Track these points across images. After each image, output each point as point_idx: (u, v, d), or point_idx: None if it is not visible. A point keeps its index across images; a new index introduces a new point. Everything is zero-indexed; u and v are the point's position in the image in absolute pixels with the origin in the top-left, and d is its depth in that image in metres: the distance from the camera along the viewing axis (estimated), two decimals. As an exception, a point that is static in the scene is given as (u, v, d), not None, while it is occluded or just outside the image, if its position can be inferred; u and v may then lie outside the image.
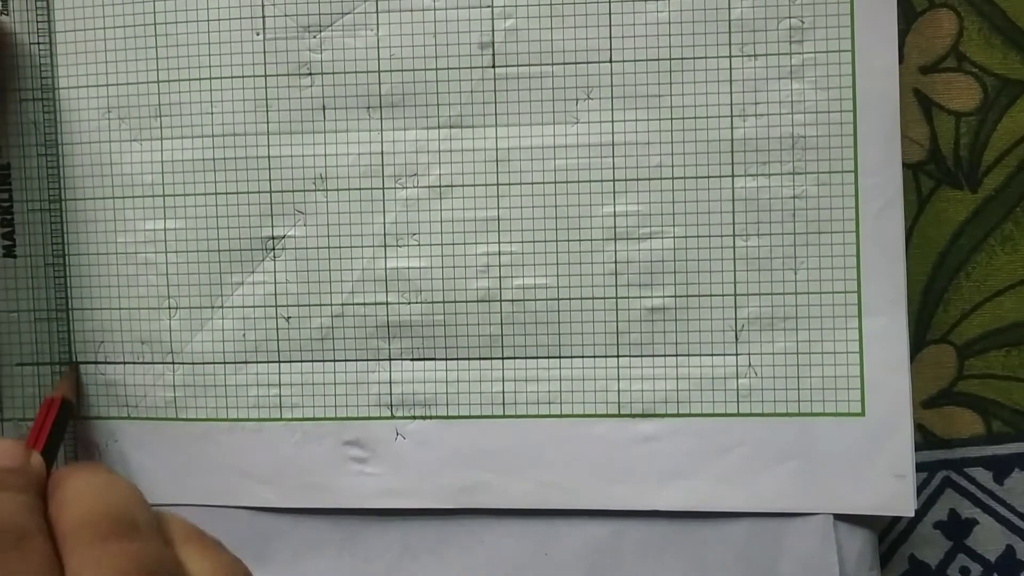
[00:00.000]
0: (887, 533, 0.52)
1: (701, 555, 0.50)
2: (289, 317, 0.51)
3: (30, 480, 0.39)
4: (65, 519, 0.37)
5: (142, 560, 0.38)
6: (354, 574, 0.51)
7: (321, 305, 0.51)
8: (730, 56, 0.48)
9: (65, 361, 0.52)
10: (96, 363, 0.52)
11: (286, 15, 0.50)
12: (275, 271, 0.51)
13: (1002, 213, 0.52)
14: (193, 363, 0.51)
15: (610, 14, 0.49)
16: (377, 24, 0.50)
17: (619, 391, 0.50)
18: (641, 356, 0.49)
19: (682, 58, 0.49)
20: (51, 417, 0.47)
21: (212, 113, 0.51)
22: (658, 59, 0.49)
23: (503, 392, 0.50)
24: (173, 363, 0.51)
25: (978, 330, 0.52)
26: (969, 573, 0.53)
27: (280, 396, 0.51)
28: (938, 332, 0.52)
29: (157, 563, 0.38)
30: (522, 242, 0.50)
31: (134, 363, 0.52)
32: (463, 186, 0.50)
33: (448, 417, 0.50)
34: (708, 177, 0.49)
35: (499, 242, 0.50)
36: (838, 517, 0.49)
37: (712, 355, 0.49)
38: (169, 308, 0.51)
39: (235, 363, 0.51)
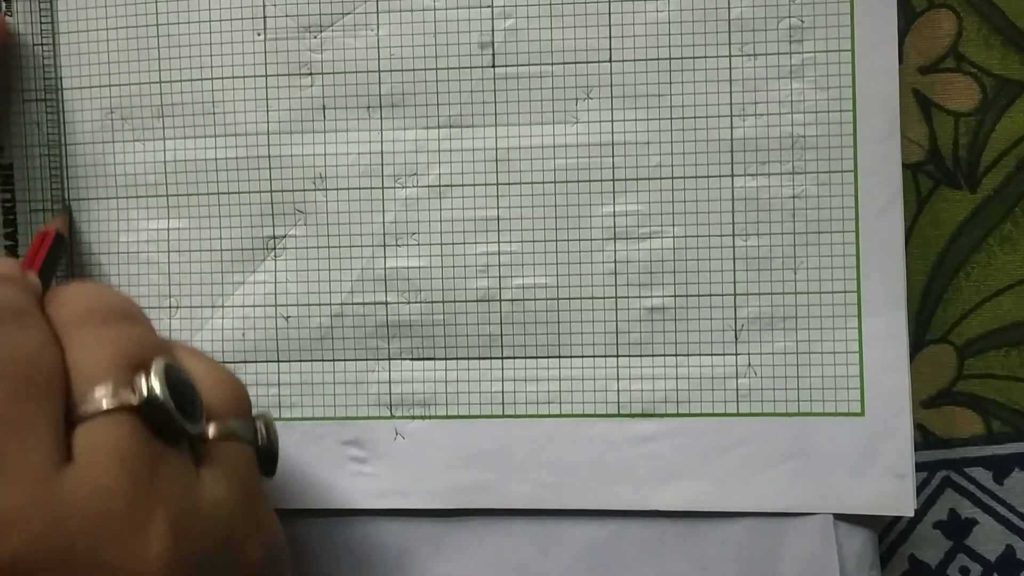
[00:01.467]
0: (887, 533, 0.52)
1: (701, 555, 0.50)
2: (288, 316, 0.51)
3: (27, 286, 0.39)
4: (65, 314, 0.38)
5: (142, 340, 0.38)
6: (354, 574, 0.51)
7: (320, 305, 0.51)
8: (729, 56, 0.48)
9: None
10: None
11: (287, 15, 0.50)
12: (275, 270, 0.51)
13: (1001, 213, 0.52)
14: (192, 362, 0.51)
15: (609, 14, 0.49)
16: (377, 24, 0.50)
17: (618, 391, 0.50)
18: (640, 356, 0.50)
19: (681, 58, 0.49)
20: (44, 249, 0.47)
21: (214, 113, 0.51)
22: (657, 59, 0.49)
23: (502, 392, 0.50)
24: (172, 363, 0.51)
25: (978, 330, 0.52)
26: (969, 573, 0.53)
27: (279, 396, 0.51)
28: (938, 332, 0.52)
29: (156, 345, 0.39)
30: (521, 242, 0.50)
31: None
32: (463, 186, 0.50)
33: (447, 417, 0.50)
34: (708, 177, 0.49)
35: (499, 242, 0.50)
36: (838, 517, 0.49)
37: (712, 355, 0.49)
38: (170, 308, 0.51)
39: (234, 362, 0.51)
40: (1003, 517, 0.52)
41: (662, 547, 0.50)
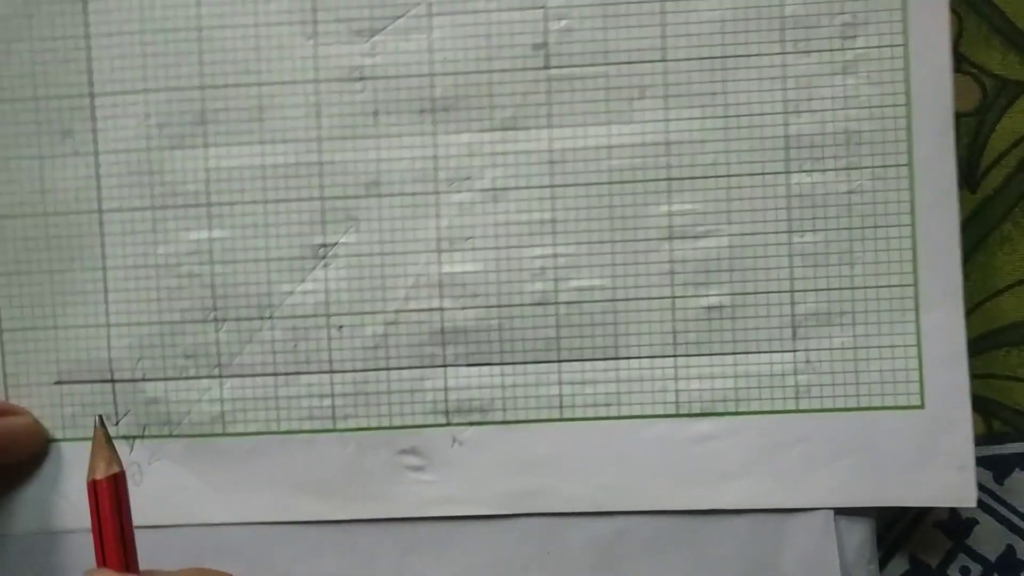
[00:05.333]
0: (887, 533, 0.53)
1: (703, 550, 0.50)
2: (342, 326, 0.50)
3: None
4: None
5: None
6: (355, 574, 0.51)
7: (374, 313, 0.50)
8: (783, 53, 0.49)
9: (106, 379, 0.51)
10: (134, 380, 0.51)
11: (338, 20, 0.49)
12: (326, 279, 0.50)
13: (1001, 213, 0.52)
14: (243, 375, 0.50)
15: (663, 13, 0.49)
16: (430, 27, 0.49)
17: (677, 391, 0.49)
18: (699, 355, 0.49)
19: (735, 56, 0.49)
20: (107, 501, 0.43)
21: (262, 120, 0.50)
22: (711, 57, 0.49)
23: (560, 395, 0.50)
24: (220, 376, 0.50)
25: (978, 330, 0.53)
26: (969, 573, 0.53)
27: (333, 407, 0.50)
28: (944, 331, 0.53)
29: None
30: (577, 243, 0.49)
31: (176, 379, 0.50)
32: (517, 188, 0.49)
33: (505, 422, 0.50)
34: (763, 174, 0.49)
35: (554, 244, 0.49)
36: (838, 511, 0.49)
37: (770, 352, 0.49)
38: (215, 320, 0.50)
39: (286, 374, 0.50)
40: (1003, 517, 0.53)
41: (665, 543, 0.50)
